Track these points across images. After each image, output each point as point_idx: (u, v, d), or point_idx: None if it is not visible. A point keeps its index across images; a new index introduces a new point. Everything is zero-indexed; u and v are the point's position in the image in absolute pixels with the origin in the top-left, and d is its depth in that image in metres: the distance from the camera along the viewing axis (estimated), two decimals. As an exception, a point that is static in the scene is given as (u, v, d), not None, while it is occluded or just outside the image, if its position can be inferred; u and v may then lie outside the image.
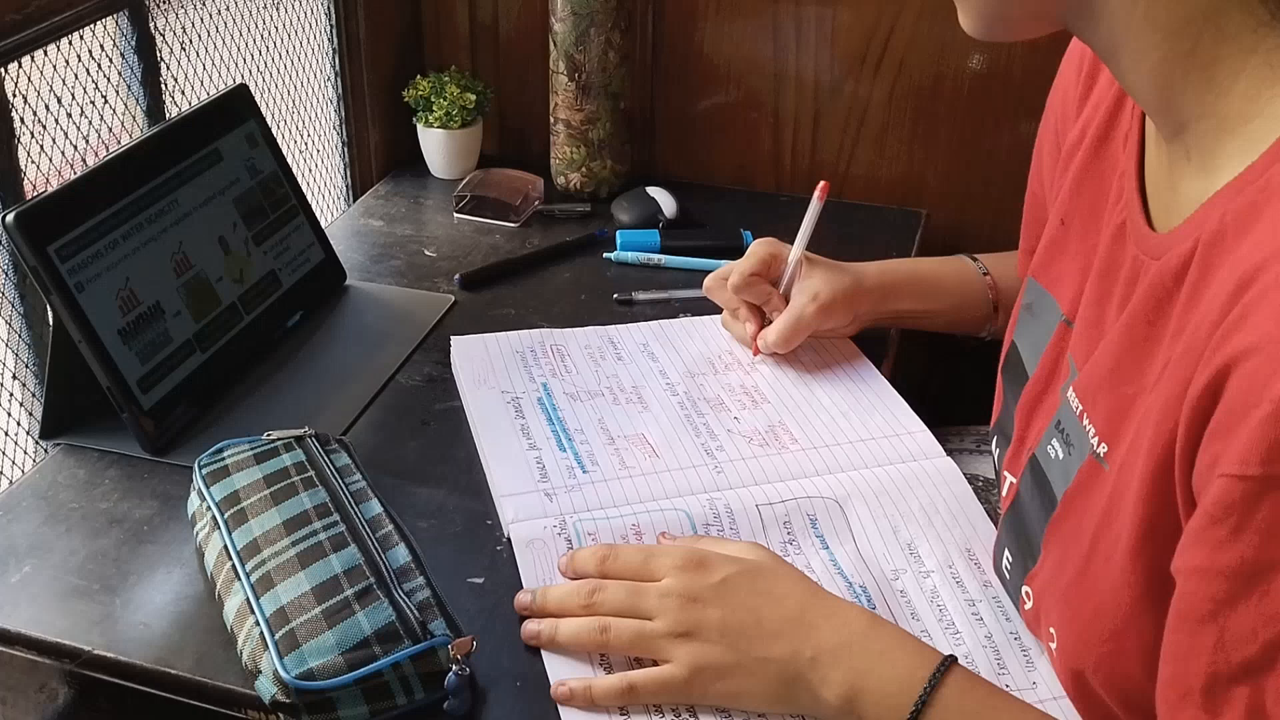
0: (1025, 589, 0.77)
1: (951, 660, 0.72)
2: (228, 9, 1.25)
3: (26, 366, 1.02)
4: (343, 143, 1.45)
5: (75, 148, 1.04)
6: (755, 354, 1.09)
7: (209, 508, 0.84)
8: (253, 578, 0.77)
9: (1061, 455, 0.74)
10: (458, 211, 1.37)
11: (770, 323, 1.07)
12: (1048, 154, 0.90)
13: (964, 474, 0.95)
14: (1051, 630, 0.72)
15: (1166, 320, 0.63)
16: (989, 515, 0.91)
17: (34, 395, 1.03)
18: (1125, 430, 0.66)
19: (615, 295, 1.20)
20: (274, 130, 1.17)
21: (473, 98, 1.41)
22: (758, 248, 1.07)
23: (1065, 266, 0.81)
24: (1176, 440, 0.58)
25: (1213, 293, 0.58)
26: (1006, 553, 0.82)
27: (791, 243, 1.07)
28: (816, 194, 1.07)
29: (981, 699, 0.71)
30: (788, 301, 1.06)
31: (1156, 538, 0.61)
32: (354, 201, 1.44)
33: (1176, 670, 0.57)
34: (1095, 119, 0.79)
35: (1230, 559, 0.53)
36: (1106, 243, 0.73)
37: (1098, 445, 0.69)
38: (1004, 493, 0.85)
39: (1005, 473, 0.85)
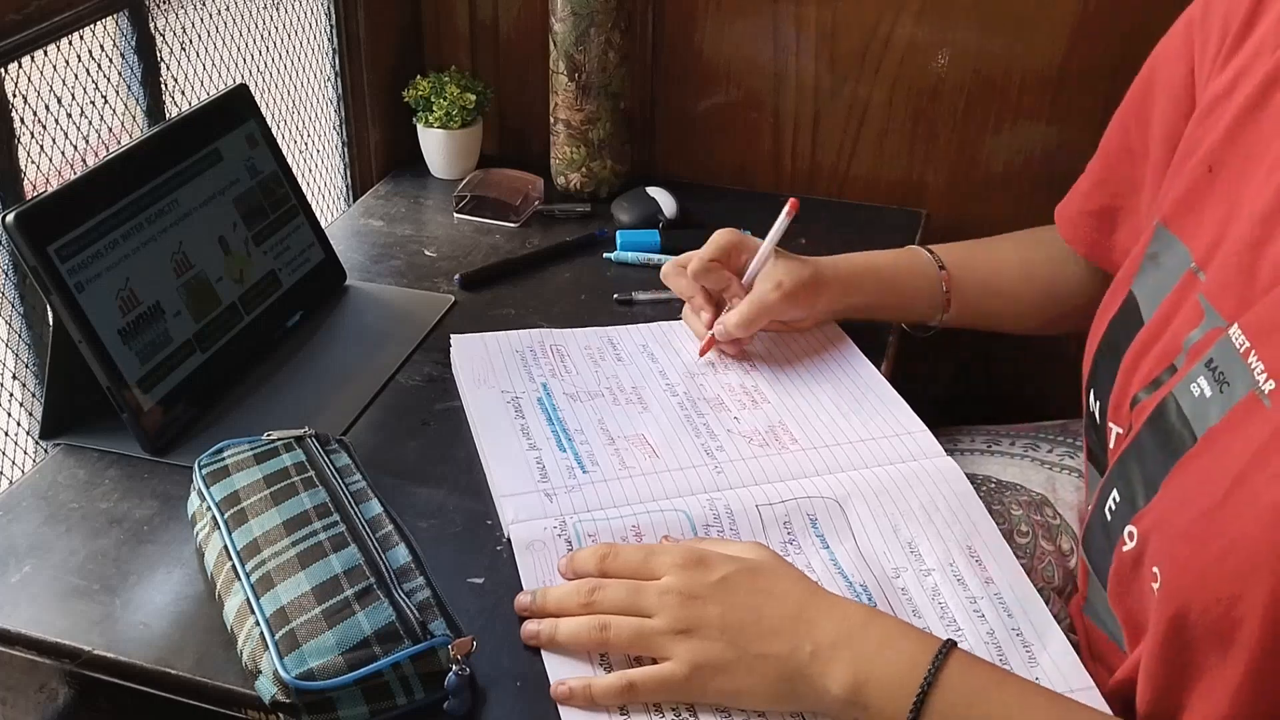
0: (1129, 529, 0.76)
1: (952, 644, 0.72)
2: (228, 9, 1.25)
3: (26, 366, 1.02)
4: (343, 143, 1.45)
5: (75, 148, 1.04)
6: (705, 349, 1.08)
7: (209, 508, 0.84)
8: (253, 578, 0.77)
9: (1210, 393, 0.72)
10: (458, 211, 1.37)
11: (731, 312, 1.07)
12: (1169, 101, 0.88)
13: (975, 475, 0.95)
14: (1155, 570, 0.71)
15: None
16: (989, 514, 0.91)
17: (34, 395, 1.03)
18: None
19: (615, 295, 1.20)
20: (274, 130, 1.17)
21: (473, 98, 1.41)
22: (719, 236, 1.07)
23: (1205, 214, 0.80)
24: None
25: None
26: (1114, 494, 0.80)
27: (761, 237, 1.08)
28: (785, 211, 1.07)
29: (984, 676, 0.72)
30: (748, 292, 1.07)
31: None
32: (354, 201, 1.45)
33: None
34: (1254, 73, 0.78)
35: None
36: (1275, 189, 0.72)
37: (1264, 382, 0.67)
38: (1110, 443, 0.83)
39: (1110, 424, 0.83)
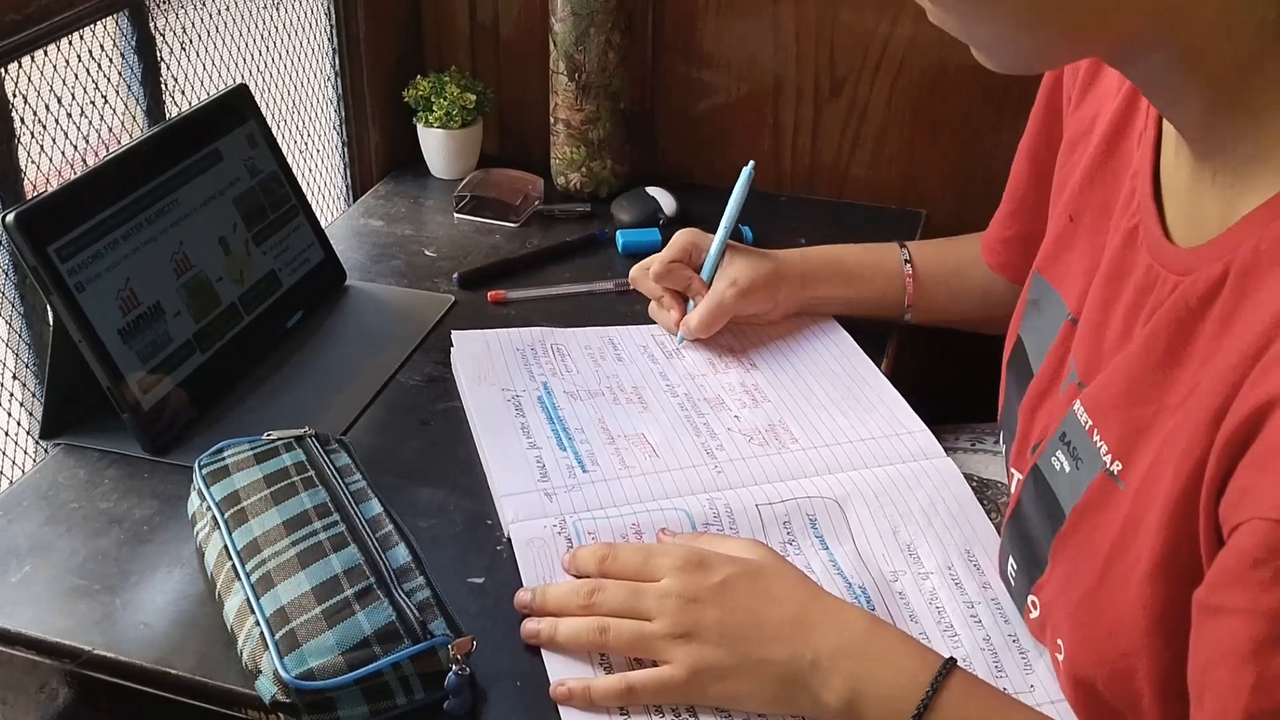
0: (1032, 598, 0.77)
1: (952, 663, 0.72)
2: (228, 9, 1.25)
3: (26, 366, 1.02)
4: (343, 143, 1.45)
5: (75, 148, 1.04)
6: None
7: (209, 508, 0.84)
8: (253, 578, 0.77)
9: (1068, 469, 0.73)
10: (458, 211, 1.37)
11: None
12: (1044, 137, 0.89)
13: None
14: (1059, 642, 0.72)
15: (1191, 342, 0.63)
16: (987, 513, 0.91)
17: (34, 395, 1.03)
18: (1142, 450, 0.65)
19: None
20: (274, 130, 1.17)
21: (473, 98, 1.41)
22: (678, 237, 1.11)
23: (1072, 263, 0.80)
24: (1206, 468, 0.57)
25: (1248, 322, 0.58)
26: (1011, 560, 0.81)
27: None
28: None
29: (983, 702, 0.71)
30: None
31: (1176, 563, 0.60)
32: (354, 201, 1.44)
33: (1215, 708, 0.56)
34: (1106, 113, 0.78)
35: (1274, 602, 0.53)
36: (1117, 245, 0.73)
37: (1111, 463, 0.68)
38: (1013, 489, 0.84)
39: (1013, 470, 0.84)
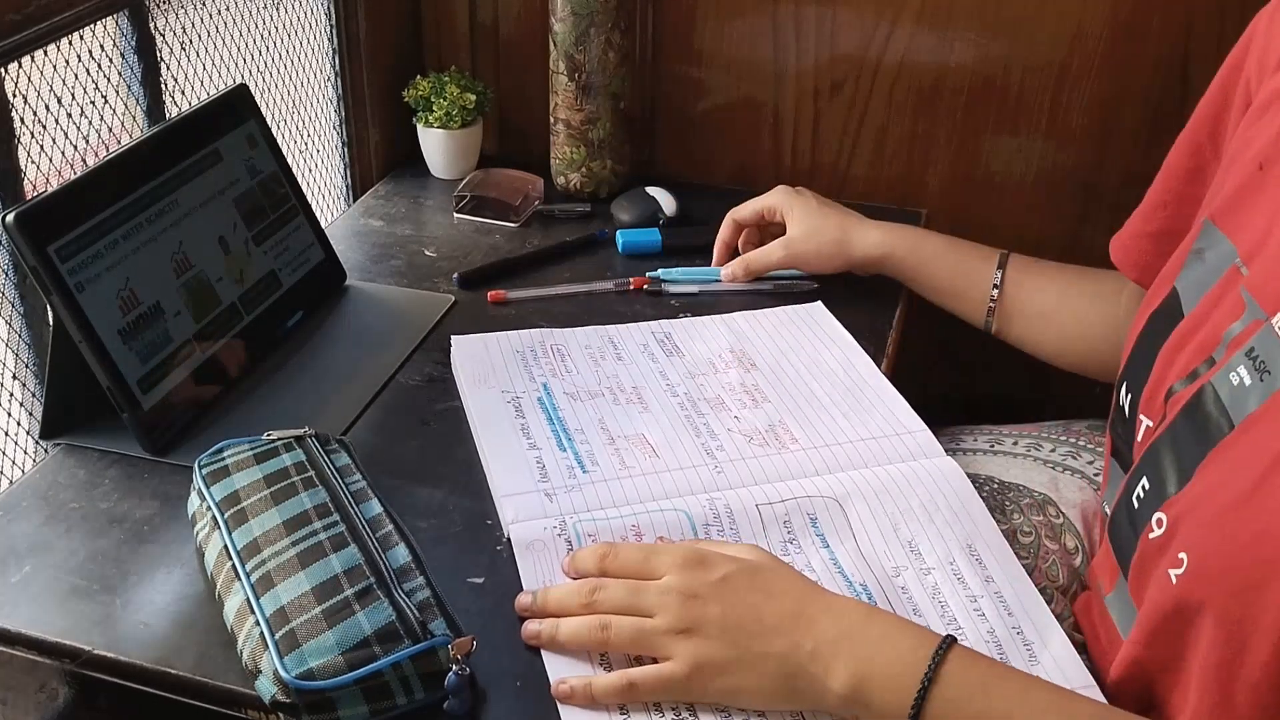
0: (1159, 515, 0.76)
1: (951, 639, 0.72)
2: (228, 9, 1.25)
3: (26, 366, 1.02)
4: (343, 143, 1.45)
5: (75, 148, 1.04)
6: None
7: (209, 508, 0.84)
8: (253, 578, 0.77)
9: (1250, 382, 0.72)
10: (458, 211, 1.37)
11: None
12: (1237, 102, 0.88)
13: (977, 475, 0.95)
14: (1182, 556, 0.71)
15: None
16: (1009, 515, 0.91)
17: (34, 395, 1.03)
18: None
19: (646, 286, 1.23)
20: (274, 130, 1.17)
21: (473, 98, 1.41)
22: (772, 193, 1.23)
23: (1255, 211, 0.80)
24: None
25: None
26: (1144, 482, 0.80)
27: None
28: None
29: (985, 671, 0.72)
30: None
31: None
32: (354, 201, 1.45)
33: None
34: None
35: None
36: None
37: None
38: (1139, 437, 0.83)
39: (1141, 416, 0.83)
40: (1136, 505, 0.80)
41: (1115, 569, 0.83)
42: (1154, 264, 0.93)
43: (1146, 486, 0.79)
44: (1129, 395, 0.87)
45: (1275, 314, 0.72)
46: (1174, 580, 0.71)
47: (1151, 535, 0.76)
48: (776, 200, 1.22)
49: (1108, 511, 0.86)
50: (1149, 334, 0.88)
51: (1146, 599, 0.76)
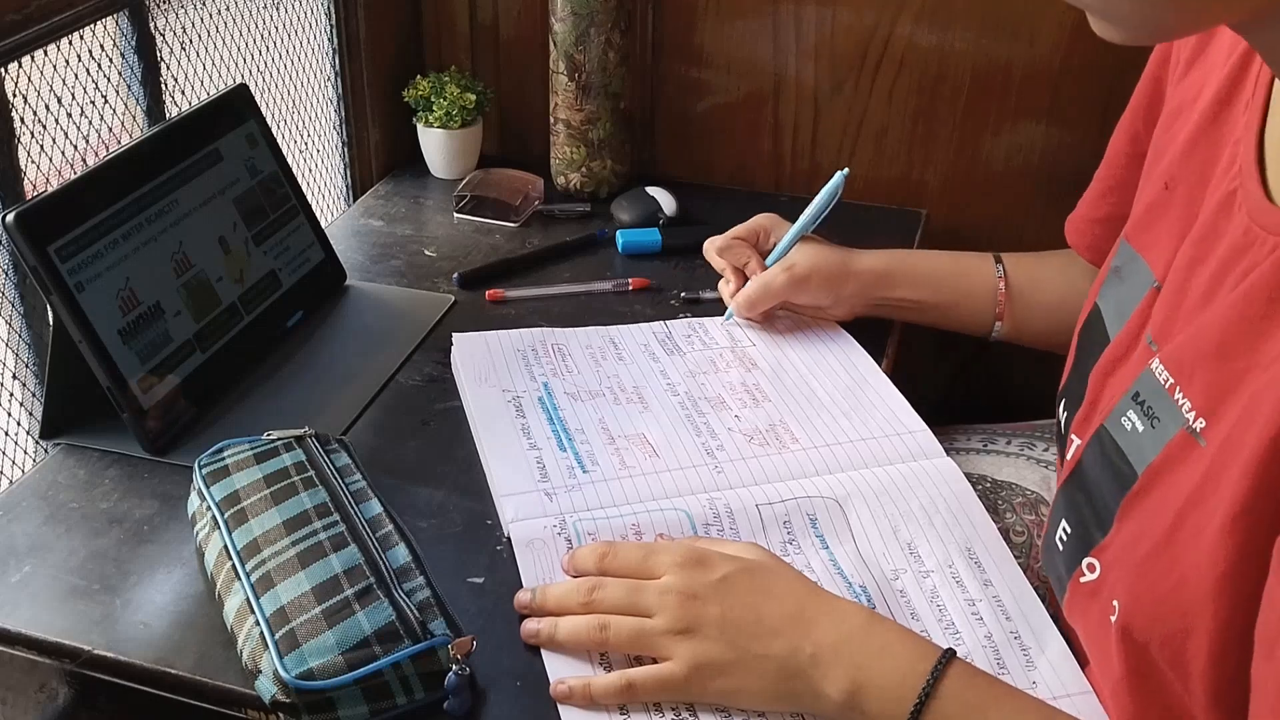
0: (1089, 560, 0.76)
1: (951, 654, 0.72)
2: (228, 9, 1.25)
3: (26, 366, 1.02)
4: (343, 143, 1.45)
5: (75, 148, 1.04)
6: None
7: (209, 508, 0.84)
8: (253, 578, 0.77)
9: (1142, 428, 0.72)
10: (458, 211, 1.37)
11: None
12: (1164, 93, 0.88)
13: (970, 474, 0.95)
14: (1115, 603, 0.71)
15: None
16: (1002, 515, 0.91)
17: (34, 395, 1.03)
18: (1229, 406, 0.65)
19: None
20: (274, 130, 1.17)
21: (473, 98, 1.41)
22: (756, 218, 1.15)
23: (1164, 231, 0.79)
24: None
25: None
26: (1064, 524, 0.80)
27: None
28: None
29: (983, 690, 0.72)
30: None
31: (1257, 512, 0.60)
32: (354, 201, 1.44)
33: None
34: (1212, 83, 0.78)
35: None
36: (1211, 209, 0.72)
37: (1194, 421, 0.67)
38: (1068, 455, 0.83)
39: (1073, 435, 0.83)
40: (1061, 547, 0.80)
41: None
42: (1106, 248, 0.93)
43: (1068, 530, 0.79)
44: (1065, 413, 0.87)
45: (1152, 359, 0.72)
46: (1112, 621, 0.71)
47: (1083, 579, 0.76)
48: (763, 222, 1.15)
49: None
50: (1082, 351, 0.88)
51: (1087, 630, 0.76)
